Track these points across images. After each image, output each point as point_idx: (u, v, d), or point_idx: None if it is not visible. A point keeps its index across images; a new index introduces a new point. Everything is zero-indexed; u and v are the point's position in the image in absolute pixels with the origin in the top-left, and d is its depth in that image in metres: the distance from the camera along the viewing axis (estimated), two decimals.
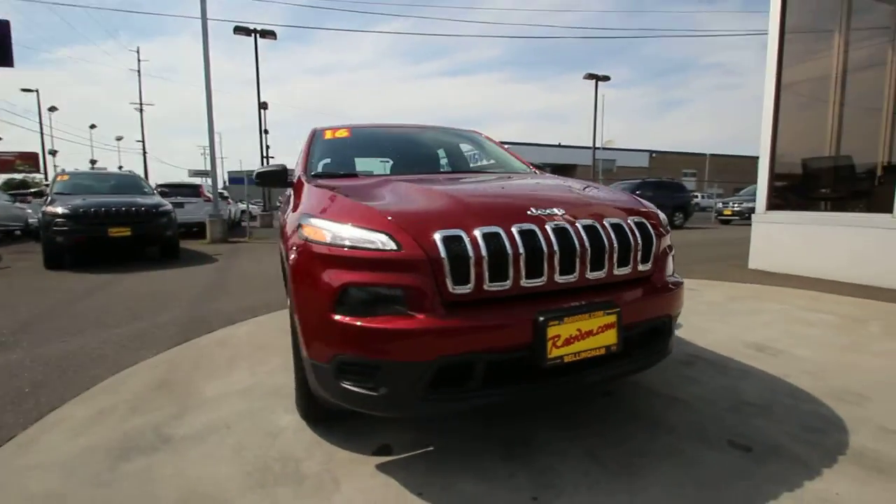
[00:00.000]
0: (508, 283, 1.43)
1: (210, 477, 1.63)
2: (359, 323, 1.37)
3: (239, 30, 16.96)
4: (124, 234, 6.53)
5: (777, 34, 5.01)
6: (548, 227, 1.49)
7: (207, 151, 12.30)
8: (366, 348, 1.38)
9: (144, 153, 35.63)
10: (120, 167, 39.82)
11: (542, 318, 1.39)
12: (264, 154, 19.00)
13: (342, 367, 1.44)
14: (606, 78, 25.44)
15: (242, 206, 21.19)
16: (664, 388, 2.22)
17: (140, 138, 35.60)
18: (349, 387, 1.45)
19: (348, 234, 1.48)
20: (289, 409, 2.12)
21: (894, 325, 3.22)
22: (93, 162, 41.66)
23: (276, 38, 17.69)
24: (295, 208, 2.11)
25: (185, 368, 2.68)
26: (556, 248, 1.47)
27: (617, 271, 1.59)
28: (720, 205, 18.13)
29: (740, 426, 1.87)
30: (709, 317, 3.48)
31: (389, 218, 1.48)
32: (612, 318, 1.48)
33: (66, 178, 7.93)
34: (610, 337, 1.48)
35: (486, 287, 1.41)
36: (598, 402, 2.09)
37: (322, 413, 1.87)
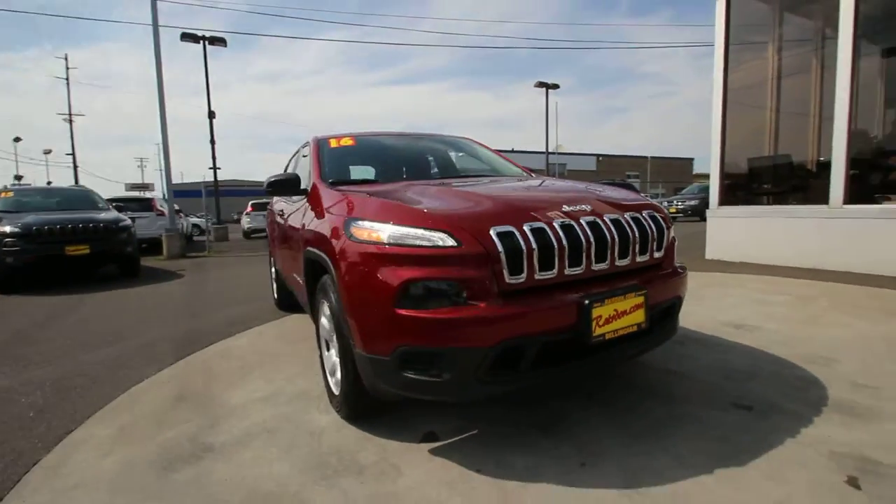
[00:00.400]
0: (554, 272, 1.59)
1: (268, 476, 1.67)
2: (424, 315, 1.49)
3: (186, 37, 16.28)
4: (82, 252, 6.16)
5: (722, 48, 5.56)
6: (582, 222, 1.67)
7: (145, 164, 11.74)
8: (432, 338, 1.49)
9: (75, 166, 33.12)
10: (49, 182, 36.71)
11: (587, 301, 1.56)
12: (214, 165, 18.23)
13: (406, 357, 1.55)
14: (556, 86, 26.54)
15: (194, 219, 20.27)
16: (666, 365, 2.46)
17: (70, 151, 33.06)
18: (413, 376, 1.56)
19: (406, 233, 1.59)
20: (322, 410, 2.17)
21: (838, 300, 3.69)
22: (18, 177, 38.27)
23: (225, 46, 17.16)
24: (320, 214, 2.18)
25: (198, 382, 2.65)
26: (591, 239, 1.65)
27: (638, 259, 1.80)
28: (665, 203, 19.38)
29: (738, 390, 2.13)
30: (686, 301, 3.81)
31: (445, 218, 1.61)
32: (641, 300, 1.68)
33: (9, 194, 7.34)
34: (639, 316, 1.68)
35: (536, 276, 1.57)
36: (614, 382, 2.29)
37: (368, 410, 1.95)
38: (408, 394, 1.62)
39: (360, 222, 1.72)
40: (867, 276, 4.38)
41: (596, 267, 1.67)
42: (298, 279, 2.73)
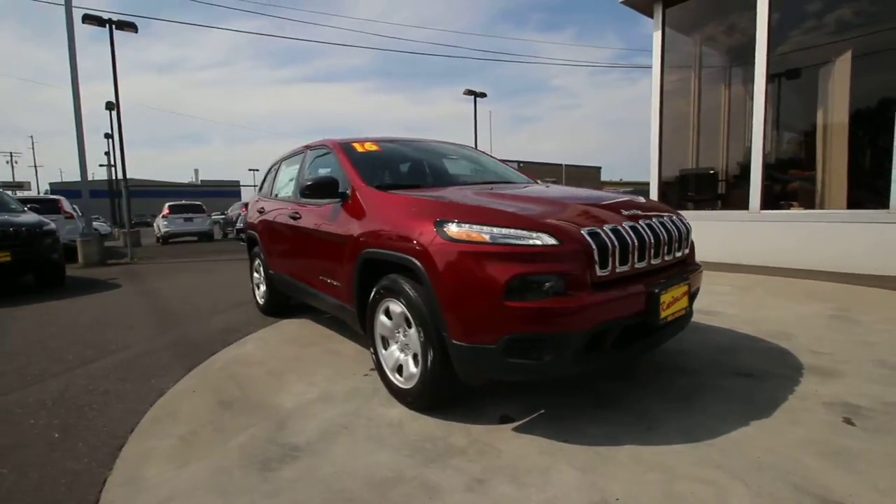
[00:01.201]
0: (628, 266, 1.89)
1: (375, 465, 1.76)
2: (534, 305, 1.70)
3: (90, 19, 14.54)
4: (3, 259, 5.38)
5: (658, 76, 6.37)
6: (641, 223, 1.99)
7: (15, 159, 10.33)
8: (541, 325, 1.71)
9: None
10: None
11: (656, 290, 1.87)
12: (111, 162, 16.41)
13: (513, 344, 1.74)
14: (483, 94, 27.60)
15: (97, 224, 18.05)
16: (669, 346, 2.89)
17: None
18: (516, 360, 1.76)
19: (509, 233, 1.78)
20: (384, 404, 2.26)
21: (771, 288, 4.47)
22: None
23: (136, 31, 15.59)
24: (385, 217, 2.26)
25: (231, 389, 2.58)
26: (651, 238, 1.97)
27: (677, 254, 2.16)
28: None
29: (733, 362, 2.59)
30: None
31: (543, 220, 1.83)
32: (686, 288, 2.04)
33: None
34: (685, 301, 2.04)
35: (616, 270, 1.85)
36: (640, 364, 2.65)
37: (446, 399, 2.10)
38: (507, 377, 1.82)
39: (455, 224, 1.88)
40: (784, 270, 5.31)
41: (653, 261, 2.00)
42: (331, 282, 2.77)
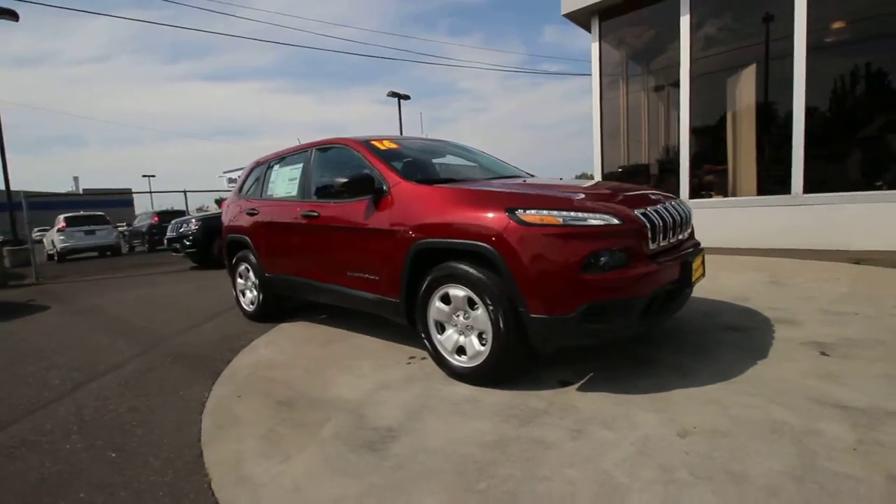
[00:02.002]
0: (667, 242, 2.24)
1: (478, 432, 1.91)
2: (607, 276, 1.98)
3: None
4: None
5: (598, 84, 7.09)
6: (666, 206, 2.36)
7: None
8: (614, 293, 1.98)
9: None
10: None
11: (689, 259, 2.25)
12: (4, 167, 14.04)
13: (589, 312, 2.00)
14: (407, 97, 27.79)
15: None
16: None
17: None
18: (592, 325, 2.02)
19: (577, 216, 2.04)
20: (446, 384, 2.40)
21: (714, 264, 5.22)
22: None
23: (17, 20, 13.54)
24: (443, 207, 2.39)
25: (280, 390, 2.54)
26: (674, 218, 2.35)
27: (686, 231, 2.58)
28: None
29: (719, 321, 3.10)
30: None
31: (602, 203, 2.11)
32: (702, 257, 2.46)
33: None
34: (702, 269, 2.45)
35: (660, 244, 2.19)
36: (653, 332, 3.04)
37: (514, 372, 2.31)
38: (581, 342, 2.08)
39: (527, 210, 2.09)
40: (716, 248, 6.19)
41: (675, 238, 2.38)
42: (367, 276, 2.82)
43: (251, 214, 3.89)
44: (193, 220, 8.95)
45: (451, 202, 2.39)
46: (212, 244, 8.72)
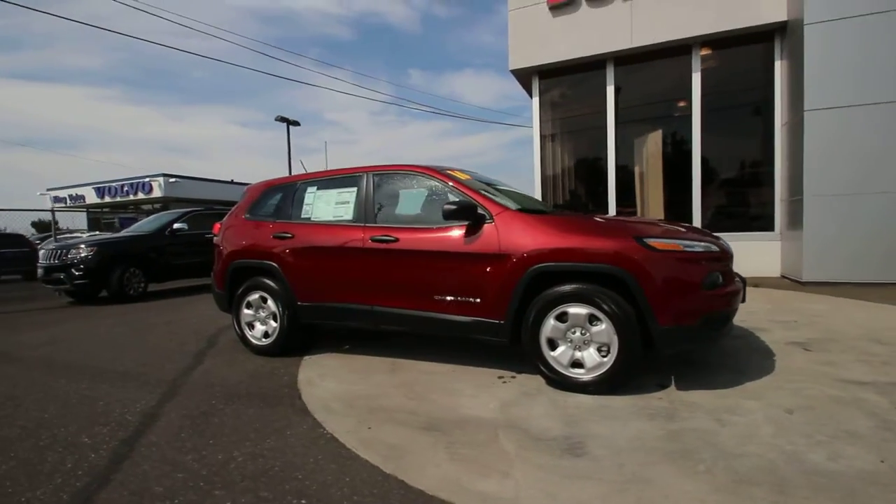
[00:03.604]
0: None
1: (643, 430, 2.20)
2: (721, 291, 2.49)
3: None
4: None
5: (538, 132, 8.10)
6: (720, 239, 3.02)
7: None
8: (724, 305, 2.50)
9: None
10: None
11: (744, 281, 2.90)
12: None
13: (706, 321, 2.47)
14: (296, 123, 26.81)
15: None
16: None
17: None
18: (707, 333, 2.50)
19: (692, 244, 2.53)
20: (565, 396, 2.64)
21: None
22: None
23: None
24: (529, 236, 2.72)
25: (409, 417, 2.48)
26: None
27: None
28: None
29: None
30: None
31: (704, 234, 2.64)
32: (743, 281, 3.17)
33: None
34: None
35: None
36: None
37: (631, 377, 2.65)
38: (696, 346, 2.55)
39: (655, 239, 2.52)
40: None
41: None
42: (465, 300, 2.91)
43: (281, 238, 3.61)
44: (84, 246, 7.43)
45: (573, 230, 2.71)
46: (111, 273, 7.35)
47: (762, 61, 6.93)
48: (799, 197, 6.03)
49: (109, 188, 27.16)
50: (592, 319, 2.60)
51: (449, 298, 2.99)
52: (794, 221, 6.34)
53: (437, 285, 3.02)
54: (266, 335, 3.75)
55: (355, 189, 3.47)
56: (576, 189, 8.86)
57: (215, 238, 4.16)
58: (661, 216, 7.69)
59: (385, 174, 3.43)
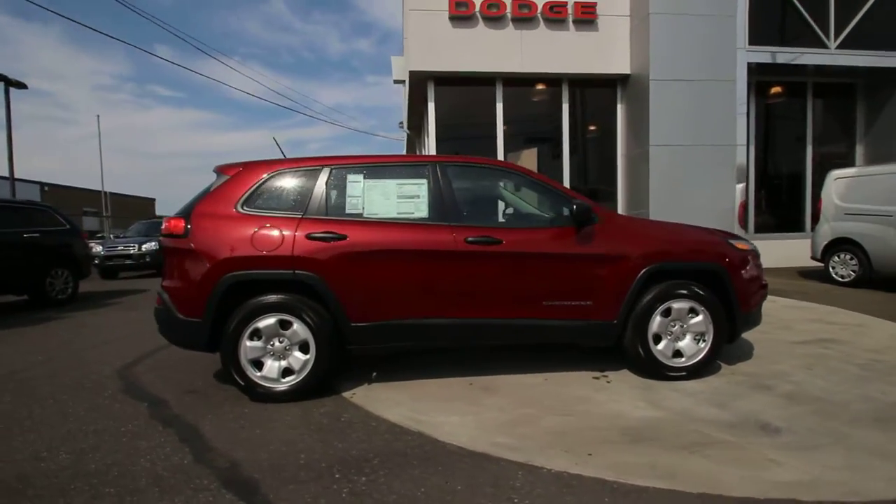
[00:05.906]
0: None
1: (761, 406, 2.66)
2: (765, 284, 3.17)
3: None
4: None
5: (434, 136, 8.15)
6: None
7: None
8: (765, 295, 3.20)
9: None
10: None
11: (766, 281, 3.71)
12: None
13: (760, 307, 3.13)
14: (23, 85, 19.15)
15: None
16: None
17: None
18: (759, 316, 3.15)
19: (750, 244, 3.13)
20: (669, 388, 2.91)
21: None
22: None
23: None
24: (643, 236, 2.96)
25: (566, 421, 2.30)
26: None
27: None
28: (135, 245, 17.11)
29: None
30: None
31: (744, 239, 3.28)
32: None
33: None
34: None
35: None
36: None
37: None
38: (752, 328, 3.17)
39: (736, 240, 3.02)
40: None
41: None
42: (577, 303, 2.85)
43: (324, 240, 2.73)
44: None
45: (680, 232, 3.01)
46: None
47: (609, 103, 8.76)
48: (644, 210, 7.86)
49: None
50: (692, 311, 2.94)
51: (559, 303, 2.87)
52: None
53: (548, 290, 2.86)
54: (288, 373, 2.77)
55: (424, 181, 2.94)
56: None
57: (168, 240, 2.84)
58: None
59: (457, 166, 3.03)
